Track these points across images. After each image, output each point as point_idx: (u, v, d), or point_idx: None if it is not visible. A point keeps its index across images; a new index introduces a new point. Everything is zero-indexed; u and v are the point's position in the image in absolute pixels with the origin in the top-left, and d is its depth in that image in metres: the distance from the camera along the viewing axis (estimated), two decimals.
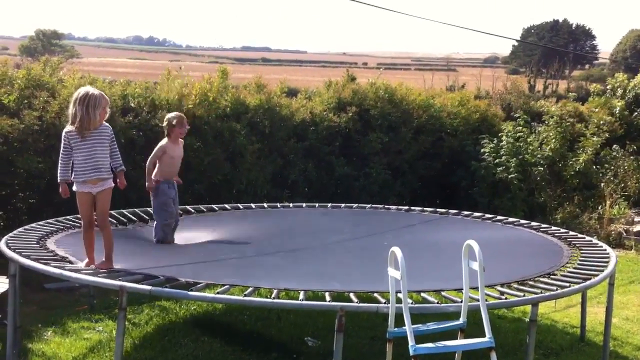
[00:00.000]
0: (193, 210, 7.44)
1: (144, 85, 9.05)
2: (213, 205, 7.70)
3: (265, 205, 8.10)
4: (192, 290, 4.36)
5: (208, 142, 8.75)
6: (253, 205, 7.92)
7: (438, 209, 8.05)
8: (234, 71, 11.59)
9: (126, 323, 5.49)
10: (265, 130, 9.65)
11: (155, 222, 6.38)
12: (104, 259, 4.94)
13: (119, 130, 7.17)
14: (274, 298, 4.33)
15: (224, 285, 4.51)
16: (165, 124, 6.45)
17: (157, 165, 6.37)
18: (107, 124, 4.96)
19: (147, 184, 6.35)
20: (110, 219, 5.50)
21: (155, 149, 6.41)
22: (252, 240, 6.30)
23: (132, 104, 8.55)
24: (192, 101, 8.84)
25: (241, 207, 7.83)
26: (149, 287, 4.39)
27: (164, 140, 6.42)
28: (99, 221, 4.94)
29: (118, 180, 5.02)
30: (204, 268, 5.23)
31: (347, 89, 11.23)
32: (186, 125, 6.50)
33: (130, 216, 6.91)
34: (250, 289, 4.49)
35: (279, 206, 8.09)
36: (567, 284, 4.81)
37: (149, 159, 6.40)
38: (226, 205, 7.79)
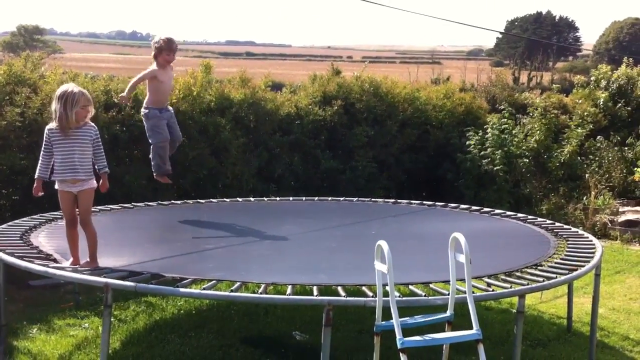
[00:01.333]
0: (179, 203, 7.41)
1: (127, 80, 8.95)
2: (199, 200, 7.66)
3: (252, 199, 8.07)
4: (178, 287, 4.33)
5: (193, 137, 8.69)
6: (239, 199, 7.89)
7: (425, 202, 8.05)
8: (218, 65, 11.51)
9: (112, 319, 5.46)
10: (250, 125, 9.60)
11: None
12: (88, 259, 4.87)
13: (102, 126, 7.09)
14: (261, 293, 4.31)
15: (210, 280, 4.48)
16: (152, 47, 6.35)
17: (148, 91, 6.37)
18: (92, 124, 4.87)
19: (122, 94, 6.43)
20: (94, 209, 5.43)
21: (144, 71, 6.37)
22: (239, 233, 6.26)
23: (115, 100, 8.46)
24: (176, 96, 8.76)
25: (227, 201, 7.79)
26: (134, 284, 4.35)
27: (153, 66, 6.34)
28: (81, 221, 4.87)
29: (100, 182, 4.95)
30: (190, 262, 5.19)
31: (332, 83, 11.19)
32: (175, 49, 6.37)
33: (114, 207, 6.87)
34: (238, 283, 4.46)
35: (265, 200, 8.06)
36: (554, 275, 4.82)
37: (136, 76, 6.42)
38: (212, 200, 7.75)
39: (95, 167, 4.91)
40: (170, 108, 6.65)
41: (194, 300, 6.43)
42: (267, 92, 10.23)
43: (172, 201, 7.55)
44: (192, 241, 5.89)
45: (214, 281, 4.46)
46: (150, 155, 6.52)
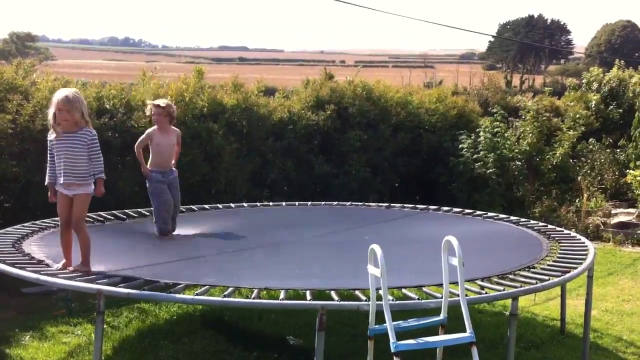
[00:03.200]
0: None
1: (119, 86, 8.94)
2: (192, 206, 7.65)
3: (245, 204, 8.06)
4: (171, 292, 4.32)
5: (185, 143, 8.61)
6: (232, 205, 7.88)
7: (418, 205, 8.06)
8: (211, 71, 11.51)
9: (105, 326, 5.43)
10: (243, 130, 9.60)
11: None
12: (80, 262, 4.86)
13: None
14: (254, 298, 4.30)
15: (203, 285, 4.47)
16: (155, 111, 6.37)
17: (150, 152, 6.37)
18: (89, 130, 4.84)
19: (142, 169, 6.36)
20: (88, 218, 5.41)
21: (145, 134, 6.44)
22: (232, 238, 6.26)
23: (108, 106, 8.45)
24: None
25: (220, 207, 7.78)
26: (126, 291, 4.34)
27: (151, 128, 6.42)
28: (73, 225, 4.86)
29: (95, 187, 4.92)
30: (183, 267, 5.18)
31: (325, 87, 11.20)
32: (159, 114, 6.32)
33: (107, 216, 6.84)
34: (231, 289, 4.45)
35: (258, 205, 8.05)
36: (547, 277, 4.84)
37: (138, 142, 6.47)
38: (205, 206, 7.74)
39: (92, 172, 4.89)
40: (175, 170, 6.50)
41: (187, 306, 6.41)
42: (259, 97, 10.23)
43: None
44: (184, 247, 5.88)
45: (206, 287, 4.45)
46: (153, 217, 6.38)
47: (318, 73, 13.04)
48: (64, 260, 4.90)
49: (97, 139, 4.89)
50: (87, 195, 4.87)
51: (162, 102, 6.43)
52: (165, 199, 6.30)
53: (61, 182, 4.80)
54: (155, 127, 6.36)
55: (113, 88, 8.83)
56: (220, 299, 4.33)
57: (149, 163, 6.36)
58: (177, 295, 4.32)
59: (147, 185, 6.42)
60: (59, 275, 4.68)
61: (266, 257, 5.66)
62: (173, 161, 6.50)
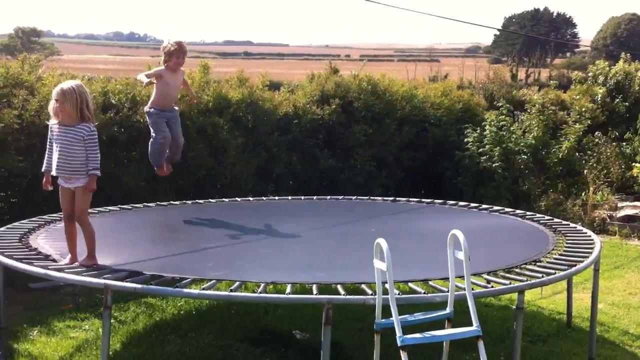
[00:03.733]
0: (177, 203, 7.43)
1: (124, 81, 8.95)
2: (198, 200, 7.67)
3: (251, 198, 8.07)
4: (177, 287, 4.33)
5: (191, 137, 8.68)
6: (238, 199, 7.90)
7: (423, 199, 8.05)
8: (216, 65, 11.49)
9: (112, 321, 5.46)
10: (249, 125, 9.60)
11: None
12: (86, 256, 4.87)
13: (100, 128, 7.08)
14: (260, 292, 4.31)
15: (210, 280, 4.48)
16: (162, 54, 6.41)
17: (154, 91, 6.44)
18: (87, 124, 4.77)
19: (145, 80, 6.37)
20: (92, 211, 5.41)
21: (154, 69, 6.50)
22: (238, 231, 6.26)
23: (113, 101, 8.46)
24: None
25: (226, 201, 7.80)
26: (133, 285, 4.36)
27: (162, 67, 6.42)
28: (76, 218, 4.86)
29: (88, 182, 4.78)
30: (189, 262, 5.18)
31: (330, 82, 11.19)
32: (185, 52, 6.43)
33: (113, 208, 6.87)
34: (237, 283, 4.46)
35: (264, 199, 8.06)
36: (553, 271, 4.83)
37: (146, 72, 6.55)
38: (211, 200, 7.75)
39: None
40: (176, 108, 6.68)
41: (194, 300, 6.43)
42: (265, 91, 10.23)
43: (171, 202, 7.55)
44: (191, 241, 5.89)
45: (213, 281, 4.46)
46: (149, 151, 6.57)
47: (323, 67, 13.01)
48: (69, 256, 4.91)
49: (96, 135, 4.82)
50: (87, 188, 4.86)
51: (181, 43, 6.43)
52: (163, 132, 6.44)
53: (54, 173, 4.82)
54: (164, 67, 6.39)
55: (119, 83, 8.85)
56: (226, 293, 4.34)
57: (150, 101, 6.51)
58: (184, 290, 4.33)
59: (147, 120, 6.56)
60: (66, 270, 4.69)
61: (272, 250, 5.66)
62: (190, 97, 7.39)
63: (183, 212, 7.02)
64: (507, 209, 7.55)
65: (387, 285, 3.87)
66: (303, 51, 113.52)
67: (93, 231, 4.89)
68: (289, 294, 4.34)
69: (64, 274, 4.60)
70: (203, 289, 4.31)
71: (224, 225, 6.51)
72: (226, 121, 9.23)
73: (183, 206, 7.38)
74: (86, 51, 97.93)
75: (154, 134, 6.47)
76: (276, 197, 8.25)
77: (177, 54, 6.34)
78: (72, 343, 5.55)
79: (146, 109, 6.56)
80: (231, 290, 4.32)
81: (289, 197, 8.29)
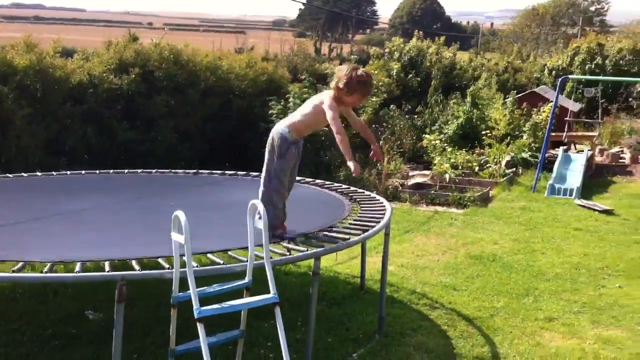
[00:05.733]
0: None
1: None
2: None
3: (39, 173, 7.48)
4: None
5: None
6: (25, 174, 7.28)
7: (227, 172, 8.01)
8: (1, 30, 10.48)
9: None
10: (37, 94, 8.88)
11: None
12: None
13: None
14: (46, 272, 4.01)
15: None
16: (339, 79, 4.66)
17: (304, 116, 4.82)
18: None
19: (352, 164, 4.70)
20: None
21: (330, 103, 4.63)
22: (24, 210, 5.75)
23: None
24: None
25: (11, 176, 7.16)
26: None
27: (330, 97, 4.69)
28: None
29: None
30: None
31: (129, 50, 10.71)
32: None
33: None
34: (21, 264, 4.10)
35: (54, 174, 7.52)
36: (347, 237, 5.03)
37: (332, 118, 4.59)
38: None
39: None
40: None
41: None
42: (56, 58, 9.53)
43: None
44: None
45: None
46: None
47: (122, 35, 12.40)
48: None
49: None
50: None
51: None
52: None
53: None
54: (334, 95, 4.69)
55: None
56: (8, 274, 3.98)
57: (292, 123, 4.89)
58: None
59: (276, 143, 4.85)
60: None
61: (62, 228, 5.29)
62: None
63: None
64: (307, 179, 7.75)
65: (185, 258, 3.78)
66: (101, 17, 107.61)
67: None
68: (79, 272, 4.07)
69: None
70: None
71: (7, 203, 5.96)
72: (11, 90, 8.46)
73: None
74: None
75: (274, 172, 4.85)
76: (68, 172, 7.73)
77: (361, 91, 4.70)
78: None
79: (282, 130, 4.84)
80: (13, 271, 3.96)
81: (83, 172, 7.81)
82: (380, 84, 14.39)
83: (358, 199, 6.60)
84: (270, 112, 11.55)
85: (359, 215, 5.89)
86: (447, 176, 12.09)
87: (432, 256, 7.93)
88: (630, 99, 21.53)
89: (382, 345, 5.21)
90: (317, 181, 7.58)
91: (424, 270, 7.35)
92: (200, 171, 7.99)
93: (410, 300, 6.35)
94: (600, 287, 6.85)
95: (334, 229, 5.37)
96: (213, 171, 8.04)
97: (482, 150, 14.06)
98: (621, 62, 24.23)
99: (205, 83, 11.21)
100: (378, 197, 6.79)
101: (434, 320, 5.80)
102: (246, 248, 4.29)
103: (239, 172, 7.87)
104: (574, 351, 5.19)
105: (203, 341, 3.62)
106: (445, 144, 13.80)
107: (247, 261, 4.20)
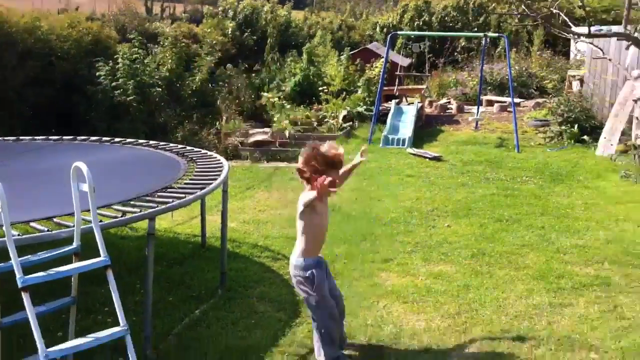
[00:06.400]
0: None
1: None
2: None
3: None
4: None
5: None
6: None
7: (51, 137, 7.52)
8: None
9: None
10: None
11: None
12: None
13: None
14: None
15: None
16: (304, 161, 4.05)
17: (303, 233, 4.12)
18: None
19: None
20: None
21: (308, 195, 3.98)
22: None
23: None
24: None
25: None
26: None
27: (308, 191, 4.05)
28: None
29: None
30: None
31: None
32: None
33: None
34: None
35: None
36: (184, 195, 4.93)
37: (303, 205, 4.04)
38: None
39: None
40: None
41: None
42: None
43: None
44: None
45: None
46: (315, 337, 4.28)
47: None
48: None
49: None
50: None
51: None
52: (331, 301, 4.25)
53: None
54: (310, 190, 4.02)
55: None
56: None
57: (300, 251, 4.17)
58: None
59: (300, 283, 4.19)
60: None
61: None
62: None
63: None
64: (140, 141, 7.49)
65: (4, 229, 3.51)
66: None
67: None
68: None
69: None
70: None
71: None
72: None
73: None
74: None
75: (319, 311, 4.15)
76: None
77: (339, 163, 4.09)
78: None
79: (296, 262, 4.16)
80: None
81: None
82: (214, 42, 14.15)
83: (194, 158, 6.48)
84: (97, 74, 10.98)
85: (195, 174, 5.78)
86: (287, 133, 12.22)
87: (274, 210, 8.02)
88: (455, 53, 22.86)
89: (226, 300, 5.22)
90: (151, 142, 7.34)
91: (266, 224, 7.41)
92: (21, 137, 7.44)
93: (253, 253, 6.39)
94: (431, 228, 7.29)
95: (169, 189, 5.24)
96: (35, 137, 7.52)
97: (320, 106, 14.35)
98: (446, 18, 25.59)
99: (22, 45, 10.39)
100: (215, 154, 6.71)
101: (276, 271, 5.89)
102: (72, 214, 4.08)
103: (64, 137, 7.42)
104: (407, 287, 5.50)
105: (30, 311, 3.42)
106: (284, 101, 13.93)
107: (73, 227, 4.00)
